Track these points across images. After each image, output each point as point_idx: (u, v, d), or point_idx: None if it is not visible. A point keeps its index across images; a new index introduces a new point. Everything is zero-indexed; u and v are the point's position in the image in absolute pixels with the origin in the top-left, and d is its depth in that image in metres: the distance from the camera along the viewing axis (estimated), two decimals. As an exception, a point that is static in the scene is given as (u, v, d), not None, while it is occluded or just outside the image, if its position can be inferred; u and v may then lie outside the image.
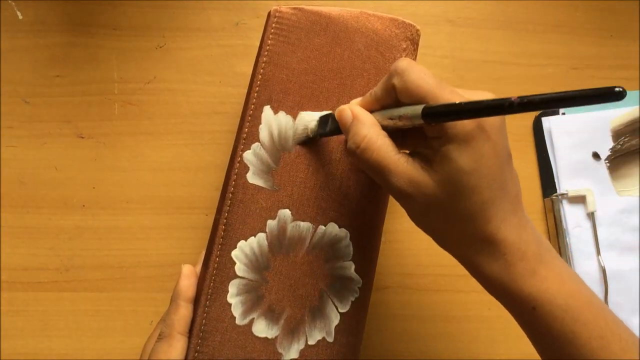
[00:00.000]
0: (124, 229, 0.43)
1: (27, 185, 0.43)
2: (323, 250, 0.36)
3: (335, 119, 0.33)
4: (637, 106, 0.45)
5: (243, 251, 0.35)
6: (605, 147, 0.45)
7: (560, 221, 0.43)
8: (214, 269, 0.35)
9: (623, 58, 0.48)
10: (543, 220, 0.44)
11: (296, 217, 0.36)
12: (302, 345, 0.35)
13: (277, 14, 0.38)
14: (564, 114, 0.46)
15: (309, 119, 0.36)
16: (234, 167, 0.36)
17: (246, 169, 0.36)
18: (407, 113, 0.29)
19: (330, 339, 0.35)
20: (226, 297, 0.35)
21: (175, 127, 0.45)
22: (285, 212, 0.36)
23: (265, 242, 0.35)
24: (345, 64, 0.38)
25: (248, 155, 0.36)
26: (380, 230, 0.37)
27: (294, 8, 0.38)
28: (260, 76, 0.37)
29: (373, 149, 0.30)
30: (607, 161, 0.44)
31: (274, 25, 0.38)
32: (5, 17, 0.46)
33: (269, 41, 0.38)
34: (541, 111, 0.46)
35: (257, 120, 0.37)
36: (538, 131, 0.46)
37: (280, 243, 0.35)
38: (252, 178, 0.36)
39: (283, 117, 0.37)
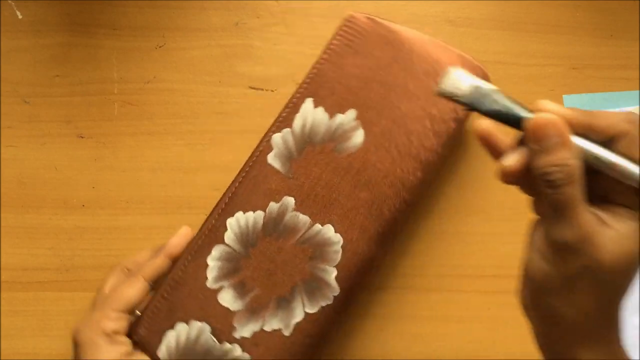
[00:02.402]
0: (124, 229, 0.43)
1: (27, 185, 0.43)
2: (311, 247, 0.36)
3: (509, 108, 0.28)
4: (638, 106, 0.45)
5: (238, 222, 0.37)
6: (605, 147, 0.45)
7: (560, 221, 0.43)
8: (207, 230, 0.37)
9: (623, 58, 0.48)
10: (543, 220, 0.44)
11: (298, 208, 0.37)
12: (257, 328, 0.35)
13: (350, 19, 0.40)
14: (564, 114, 0.46)
15: (466, 79, 0.29)
16: (261, 145, 0.38)
17: (270, 149, 0.38)
18: (624, 169, 0.24)
19: (286, 333, 0.35)
20: (207, 258, 0.36)
21: (175, 127, 0.45)
22: (290, 200, 0.37)
23: (261, 221, 0.37)
24: (398, 82, 0.38)
25: (276, 138, 0.38)
26: (375, 253, 0.37)
27: (368, 18, 0.40)
28: (315, 70, 0.39)
29: (571, 183, 0.24)
30: (607, 161, 0.44)
31: (344, 28, 0.40)
32: (5, 17, 0.46)
33: (334, 41, 0.40)
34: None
35: (296, 109, 0.38)
36: (538, 131, 0.46)
37: (274, 226, 0.37)
38: (272, 159, 0.38)
39: (321, 113, 0.38)
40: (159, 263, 0.37)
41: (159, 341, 0.36)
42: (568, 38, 0.48)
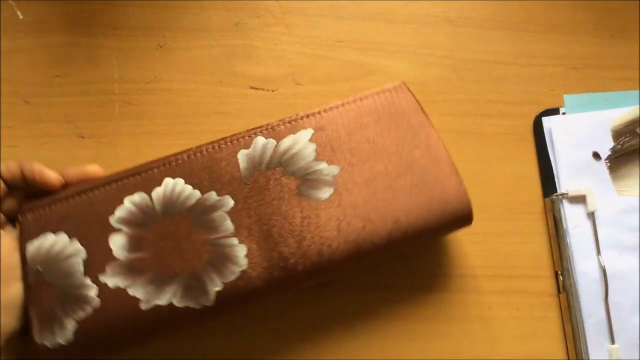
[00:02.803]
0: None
1: (27, 185, 0.43)
2: (217, 254, 0.36)
3: None
4: (637, 106, 0.45)
5: (174, 187, 0.36)
6: (606, 147, 0.45)
7: (561, 221, 0.43)
8: (144, 172, 0.37)
9: (623, 58, 0.48)
10: (543, 220, 0.44)
11: (231, 213, 0.36)
12: (122, 285, 0.35)
13: (399, 87, 0.39)
14: (564, 113, 0.46)
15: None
16: (243, 135, 0.38)
17: (247, 146, 0.38)
18: None
19: (143, 306, 0.34)
20: (126, 196, 0.36)
21: (175, 127, 0.45)
22: (229, 202, 0.36)
23: (193, 201, 0.36)
24: (406, 161, 0.38)
25: (260, 141, 0.38)
26: (265, 289, 0.36)
27: (415, 100, 0.39)
28: (334, 107, 0.39)
29: None
30: (607, 161, 0.44)
31: (388, 92, 0.39)
32: (5, 17, 0.46)
33: (371, 98, 0.39)
34: (542, 110, 0.46)
35: (294, 129, 0.38)
36: (538, 131, 0.46)
37: (201, 214, 0.36)
38: (241, 156, 0.37)
39: (310, 150, 0.38)
40: (14, 165, 0.36)
41: (36, 235, 0.35)
42: (568, 38, 0.48)
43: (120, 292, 0.35)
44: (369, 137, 0.38)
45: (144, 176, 0.37)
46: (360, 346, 0.41)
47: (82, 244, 0.35)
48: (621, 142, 0.45)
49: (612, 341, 0.41)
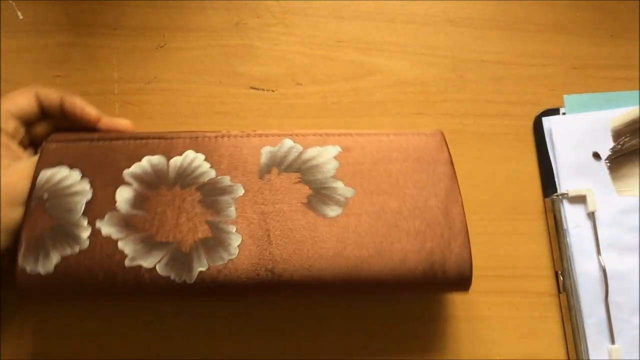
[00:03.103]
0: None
1: (27, 185, 0.43)
2: (213, 235, 0.36)
3: None
4: (637, 106, 0.45)
5: (193, 161, 0.38)
6: (606, 147, 0.45)
7: (561, 221, 0.43)
8: (170, 139, 0.38)
9: (623, 58, 0.48)
10: (543, 220, 0.44)
11: (238, 203, 0.37)
12: (114, 237, 0.35)
13: (435, 134, 0.39)
14: (564, 113, 0.46)
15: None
16: (269, 137, 0.39)
17: (274, 144, 0.38)
18: None
19: (126, 262, 0.35)
20: (146, 155, 0.37)
21: (175, 127, 0.45)
22: (240, 191, 0.37)
23: (206, 180, 0.37)
24: (420, 206, 0.37)
25: (287, 142, 0.39)
26: (249, 283, 0.36)
27: (448, 148, 0.39)
28: (370, 136, 0.39)
29: None
30: (607, 161, 0.44)
31: (422, 136, 0.39)
32: (5, 17, 0.46)
33: (406, 137, 0.39)
34: (542, 111, 0.46)
35: (324, 142, 0.39)
36: (538, 131, 0.46)
37: (210, 192, 0.37)
38: (265, 151, 0.38)
39: (332, 168, 0.38)
40: (56, 94, 0.39)
41: (52, 165, 0.37)
42: (568, 38, 0.48)
43: (110, 241, 0.35)
44: (392, 172, 0.38)
45: (168, 142, 0.38)
46: (360, 346, 0.41)
47: (91, 186, 0.37)
48: (621, 142, 0.45)
49: (612, 341, 0.41)
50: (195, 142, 0.38)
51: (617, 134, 0.45)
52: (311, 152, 0.38)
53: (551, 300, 0.43)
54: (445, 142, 0.39)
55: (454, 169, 0.39)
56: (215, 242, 0.36)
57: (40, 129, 0.40)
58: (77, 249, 0.35)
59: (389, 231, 0.37)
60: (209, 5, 0.48)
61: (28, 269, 0.35)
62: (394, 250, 0.36)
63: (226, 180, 0.37)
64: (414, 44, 0.48)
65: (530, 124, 0.46)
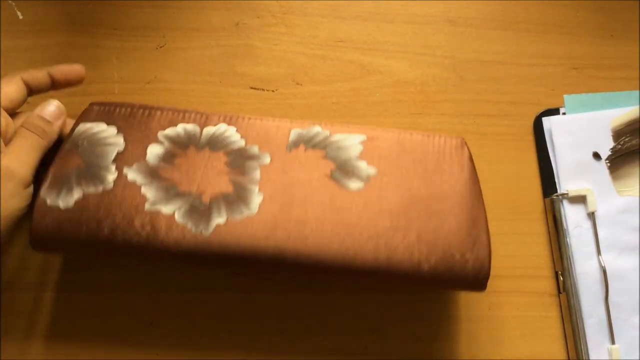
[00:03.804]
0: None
1: (27, 185, 0.43)
2: (234, 194, 0.37)
3: None
4: (637, 106, 0.45)
5: (225, 131, 0.39)
6: (606, 147, 0.45)
7: (561, 221, 0.43)
8: (207, 116, 0.40)
9: (623, 58, 0.48)
10: (543, 220, 0.44)
11: (264, 172, 0.38)
12: (138, 182, 0.37)
13: (461, 145, 0.40)
14: (564, 113, 0.46)
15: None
16: (299, 122, 0.40)
17: (301, 126, 0.40)
18: None
19: (146, 206, 0.36)
20: (181, 122, 0.39)
21: (175, 127, 0.45)
22: (266, 160, 0.38)
23: (235, 147, 0.39)
24: (441, 191, 0.38)
25: (316, 129, 0.40)
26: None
27: (471, 157, 0.39)
28: (388, 132, 0.40)
29: None
30: (607, 161, 0.44)
31: (453, 146, 0.40)
32: (5, 17, 0.46)
33: (427, 137, 0.40)
34: (542, 111, 0.46)
35: (339, 129, 0.40)
36: (538, 131, 0.46)
37: (237, 159, 0.38)
38: (293, 133, 0.40)
39: (357, 147, 0.39)
40: (39, 73, 0.39)
41: (91, 121, 0.39)
42: (568, 38, 0.48)
43: (134, 186, 0.37)
44: (415, 163, 0.39)
45: (204, 117, 0.40)
46: (360, 346, 0.41)
47: (124, 140, 0.38)
48: (621, 142, 0.45)
49: (612, 341, 0.41)
50: (229, 119, 0.40)
51: (617, 134, 0.45)
52: (338, 137, 0.39)
53: (551, 300, 0.43)
54: (466, 144, 0.40)
55: (474, 167, 0.39)
56: (236, 197, 0.37)
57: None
58: (100, 188, 0.37)
59: (408, 209, 0.37)
60: (209, 5, 0.48)
61: (48, 201, 0.36)
62: (411, 226, 0.37)
63: (254, 149, 0.39)
64: (414, 44, 0.48)
65: (530, 124, 0.46)
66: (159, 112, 0.40)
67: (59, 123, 0.39)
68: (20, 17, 0.47)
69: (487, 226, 0.37)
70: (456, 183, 0.38)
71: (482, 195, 0.38)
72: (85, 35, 0.46)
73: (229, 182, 0.37)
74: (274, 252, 0.36)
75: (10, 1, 0.47)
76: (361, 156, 0.39)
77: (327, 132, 0.40)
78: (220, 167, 0.38)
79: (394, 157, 0.39)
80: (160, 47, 0.47)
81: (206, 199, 0.37)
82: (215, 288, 0.42)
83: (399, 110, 0.46)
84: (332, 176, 0.38)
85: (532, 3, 0.49)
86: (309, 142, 0.39)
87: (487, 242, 0.37)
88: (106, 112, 0.40)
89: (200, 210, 0.36)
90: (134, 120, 0.39)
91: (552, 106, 0.46)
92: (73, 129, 0.39)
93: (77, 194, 0.36)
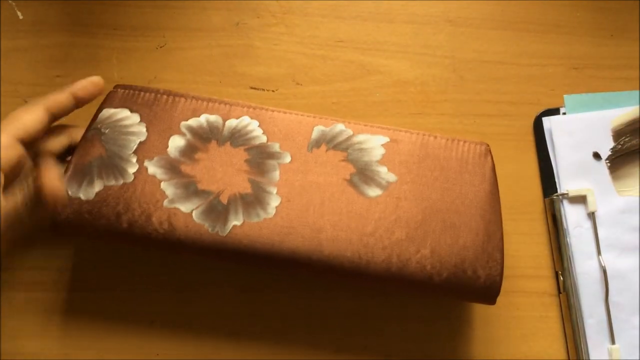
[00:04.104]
0: (124, 229, 0.43)
1: (27, 185, 0.43)
2: (252, 193, 0.37)
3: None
4: (637, 106, 0.45)
5: (247, 125, 0.39)
6: (606, 147, 0.45)
7: (561, 221, 0.43)
8: (229, 105, 0.40)
9: (623, 58, 0.48)
10: (543, 220, 0.44)
11: (283, 170, 0.38)
12: (158, 176, 0.37)
13: (486, 151, 0.40)
14: (564, 113, 0.46)
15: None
16: (323, 119, 0.40)
17: (323, 123, 0.40)
18: None
19: (165, 203, 0.36)
20: (204, 113, 0.39)
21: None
22: (287, 159, 0.38)
23: (256, 143, 0.39)
24: (461, 203, 0.38)
25: (338, 127, 0.40)
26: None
27: (493, 165, 0.40)
28: (412, 134, 0.40)
29: None
30: (607, 161, 0.44)
31: (467, 142, 0.40)
32: (5, 17, 0.46)
33: (451, 142, 0.40)
34: (542, 111, 0.46)
35: (374, 132, 0.40)
36: (538, 131, 0.46)
37: (258, 155, 0.38)
38: (316, 131, 0.40)
39: (379, 150, 0.39)
40: (61, 97, 0.37)
41: (115, 107, 0.39)
42: (568, 38, 0.48)
43: (154, 180, 0.37)
44: (437, 169, 0.39)
45: (228, 107, 0.40)
46: (360, 346, 0.41)
47: (147, 130, 0.39)
48: (621, 142, 0.45)
49: (613, 341, 0.41)
50: (253, 111, 0.40)
51: (618, 134, 0.45)
52: (360, 137, 0.39)
53: (551, 300, 0.43)
54: (491, 152, 0.40)
55: (496, 178, 0.39)
56: (254, 199, 0.37)
57: (58, 141, 0.39)
58: (120, 181, 0.37)
59: (425, 221, 0.37)
60: (210, 5, 0.48)
61: (70, 192, 0.36)
62: (426, 239, 0.37)
63: (275, 146, 0.39)
64: (414, 44, 0.48)
65: (530, 124, 0.46)
66: (182, 100, 0.40)
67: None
68: (20, 17, 0.47)
69: (502, 243, 0.37)
70: (475, 196, 0.38)
71: (500, 209, 0.38)
72: (85, 35, 0.46)
73: (248, 182, 0.37)
74: (287, 255, 0.36)
75: (10, 1, 0.47)
76: (382, 160, 0.39)
77: (350, 132, 0.39)
78: (240, 165, 0.38)
79: (415, 163, 0.39)
80: (161, 47, 0.47)
81: (224, 198, 0.37)
82: (215, 288, 0.42)
83: (399, 110, 0.46)
84: (351, 181, 0.38)
85: (532, 3, 0.49)
86: (331, 142, 0.39)
87: (500, 259, 0.37)
88: (130, 97, 0.40)
89: (217, 211, 0.36)
90: (157, 107, 0.39)
91: (552, 106, 0.46)
92: (97, 114, 0.39)
93: (98, 186, 0.37)
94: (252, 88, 0.46)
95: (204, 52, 0.47)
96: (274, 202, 0.37)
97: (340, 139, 0.39)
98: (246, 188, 0.37)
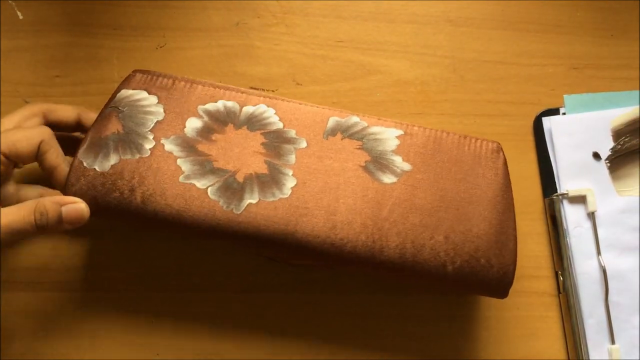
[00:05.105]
0: (124, 228, 0.43)
1: (27, 185, 0.43)
2: (268, 174, 0.37)
3: None
4: (637, 106, 0.45)
5: (264, 112, 0.39)
6: (606, 147, 0.45)
7: (561, 221, 0.43)
8: (246, 92, 0.40)
9: (623, 58, 0.48)
10: (543, 220, 0.44)
11: (298, 156, 0.38)
12: (174, 153, 0.37)
13: (498, 151, 0.40)
14: (564, 113, 0.46)
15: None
16: (338, 111, 0.40)
17: (339, 114, 0.40)
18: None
19: (180, 178, 0.36)
20: (222, 99, 0.40)
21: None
22: (302, 144, 0.39)
23: (272, 129, 0.39)
24: (475, 193, 0.38)
25: (354, 118, 0.40)
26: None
27: (505, 165, 0.40)
28: (425, 130, 0.40)
29: None
30: (607, 161, 0.44)
31: (480, 140, 0.40)
32: (5, 17, 0.46)
33: (464, 139, 0.40)
34: (542, 111, 0.46)
35: (386, 125, 0.40)
36: (538, 131, 0.46)
37: (275, 139, 0.38)
38: (332, 121, 0.40)
39: (393, 141, 0.39)
40: (69, 113, 0.40)
41: (133, 88, 0.39)
42: (568, 38, 0.48)
43: (170, 156, 0.37)
44: (450, 162, 0.39)
45: (245, 96, 0.40)
46: (360, 346, 0.41)
47: (164, 110, 0.39)
48: (621, 142, 0.45)
49: (612, 341, 0.41)
50: (270, 100, 0.40)
51: (617, 134, 0.45)
52: (375, 129, 0.40)
53: (551, 300, 0.43)
54: (502, 149, 0.40)
55: (509, 173, 0.39)
56: (270, 179, 0.37)
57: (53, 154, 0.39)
58: (137, 155, 0.37)
59: (439, 209, 0.37)
60: (210, 5, 0.48)
61: (85, 163, 0.36)
62: (440, 226, 0.37)
63: (292, 132, 0.39)
64: (414, 44, 0.48)
65: (530, 124, 0.46)
66: (200, 87, 0.40)
67: (64, 226, 0.35)
68: (20, 17, 0.47)
69: (515, 234, 0.37)
70: (489, 188, 0.38)
71: (513, 202, 0.38)
72: (85, 35, 0.46)
73: (264, 163, 0.38)
74: (302, 237, 0.36)
75: (10, 1, 0.47)
76: (397, 150, 0.39)
77: (364, 123, 0.40)
78: (257, 148, 0.38)
79: (429, 155, 0.39)
80: (161, 47, 0.47)
81: (240, 177, 0.37)
82: (214, 288, 0.42)
83: (399, 110, 0.46)
84: (366, 167, 0.38)
85: (532, 3, 0.49)
86: (346, 132, 0.39)
87: (514, 250, 0.37)
88: (148, 81, 0.40)
89: (233, 188, 0.36)
90: (175, 92, 0.40)
91: (552, 106, 0.46)
92: (115, 94, 0.39)
93: (114, 159, 0.37)
94: (252, 88, 0.46)
95: (204, 52, 0.47)
96: (290, 183, 0.37)
97: (355, 129, 0.39)
98: (262, 169, 0.37)
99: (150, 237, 0.42)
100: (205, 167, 0.37)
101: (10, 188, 0.38)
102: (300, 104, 0.40)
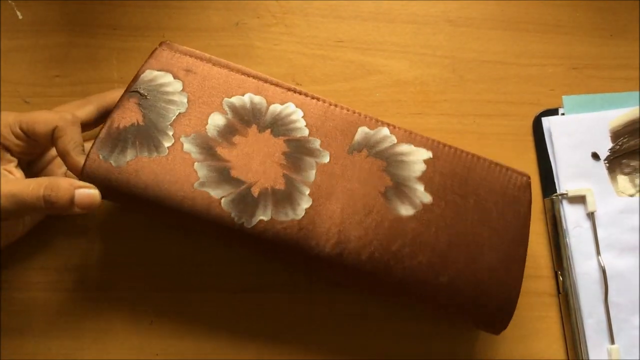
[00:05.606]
0: (124, 228, 0.43)
1: (27, 185, 0.43)
2: (284, 188, 0.37)
3: None
4: (637, 106, 0.45)
5: (291, 113, 0.38)
6: (605, 147, 0.45)
7: (560, 221, 0.43)
8: (277, 86, 0.39)
9: (623, 58, 0.48)
10: (543, 220, 0.44)
11: (320, 168, 0.37)
12: (194, 156, 0.36)
13: (527, 183, 0.39)
14: (563, 114, 0.46)
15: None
16: (370, 119, 0.40)
17: (368, 122, 0.39)
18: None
19: (196, 184, 0.36)
20: (246, 93, 0.39)
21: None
22: (326, 157, 0.38)
23: (297, 126, 0.38)
24: (491, 234, 0.38)
25: (384, 131, 0.39)
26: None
27: (529, 190, 0.39)
28: (457, 152, 0.39)
29: None
30: (606, 162, 0.44)
31: (511, 170, 0.40)
32: (5, 17, 0.46)
33: (495, 166, 0.39)
34: (541, 111, 0.46)
35: (406, 138, 0.39)
36: (538, 131, 0.46)
37: (296, 149, 0.37)
38: (360, 131, 0.39)
39: (419, 165, 0.38)
40: (88, 108, 0.39)
41: (158, 69, 0.38)
42: (568, 38, 0.48)
43: (187, 158, 0.36)
44: (474, 195, 0.38)
45: (275, 88, 0.39)
46: (360, 346, 0.41)
47: (188, 101, 0.38)
48: (620, 143, 0.45)
49: (612, 341, 0.41)
50: (300, 98, 0.39)
51: (616, 135, 0.45)
52: (404, 147, 0.39)
53: (551, 300, 0.43)
54: (530, 185, 0.39)
55: (531, 214, 0.39)
56: (285, 196, 0.36)
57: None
58: (154, 154, 0.36)
59: (449, 252, 0.37)
60: (209, 5, 0.48)
61: (101, 155, 0.36)
62: (445, 272, 0.36)
63: (316, 143, 0.38)
64: (414, 44, 0.48)
65: (530, 124, 0.46)
66: (228, 72, 0.39)
67: (75, 210, 0.35)
68: (20, 17, 0.47)
69: (520, 284, 0.37)
70: (506, 234, 0.38)
71: (526, 250, 0.38)
72: (85, 35, 0.46)
73: (282, 177, 0.37)
74: (307, 259, 0.36)
75: (10, 1, 0.47)
76: (421, 177, 0.38)
77: (394, 139, 0.39)
78: (277, 157, 0.37)
79: (454, 186, 0.38)
80: (160, 47, 0.47)
81: (256, 191, 0.36)
82: (214, 288, 0.42)
83: (398, 110, 0.46)
84: (385, 194, 0.37)
85: (532, 3, 0.49)
86: (373, 148, 0.38)
87: (515, 299, 0.37)
88: (174, 60, 0.39)
89: (247, 202, 0.36)
90: (201, 76, 0.38)
91: (552, 106, 0.46)
92: (139, 74, 0.38)
93: (130, 155, 0.36)
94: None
95: (204, 52, 0.47)
96: (305, 204, 0.36)
97: (383, 146, 0.38)
98: (279, 183, 0.36)
99: (150, 237, 0.42)
100: (223, 174, 0.36)
101: (41, 163, 0.40)
102: (331, 104, 0.39)
